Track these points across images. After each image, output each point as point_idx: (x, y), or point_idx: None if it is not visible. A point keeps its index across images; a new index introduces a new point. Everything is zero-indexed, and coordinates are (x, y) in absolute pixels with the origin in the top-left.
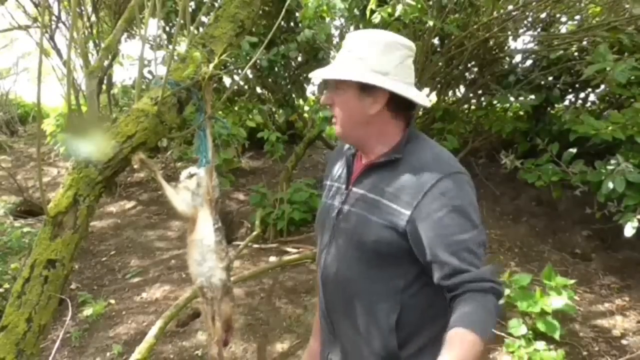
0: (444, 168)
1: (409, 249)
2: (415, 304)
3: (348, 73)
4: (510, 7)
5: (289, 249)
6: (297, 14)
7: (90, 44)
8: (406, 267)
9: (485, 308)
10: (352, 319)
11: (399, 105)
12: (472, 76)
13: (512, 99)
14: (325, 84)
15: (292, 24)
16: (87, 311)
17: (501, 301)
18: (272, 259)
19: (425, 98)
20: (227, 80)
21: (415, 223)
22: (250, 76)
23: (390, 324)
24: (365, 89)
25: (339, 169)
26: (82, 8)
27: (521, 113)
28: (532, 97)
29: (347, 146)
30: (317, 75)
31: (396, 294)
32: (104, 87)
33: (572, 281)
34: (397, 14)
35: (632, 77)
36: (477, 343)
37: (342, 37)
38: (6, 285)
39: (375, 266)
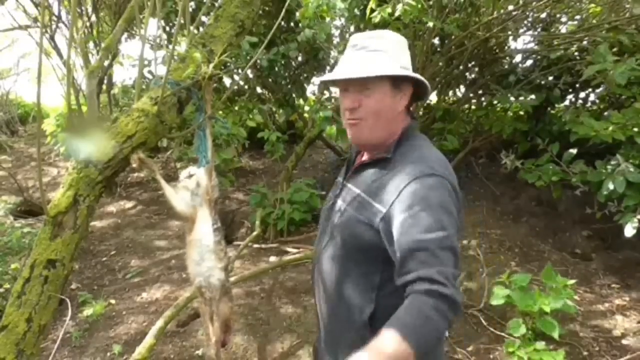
0: (422, 169)
1: (379, 245)
2: (389, 303)
3: (383, 68)
4: (511, 7)
5: (289, 249)
6: (297, 14)
7: (91, 44)
8: (381, 265)
9: (420, 311)
10: (331, 310)
11: (415, 99)
12: (473, 76)
13: (512, 98)
14: (331, 86)
15: (292, 23)
16: (87, 311)
17: (450, 306)
18: (273, 259)
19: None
20: (227, 80)
21: (387, 221)
22: (251, 76)
23: (364, 319)
24: (397, 84)
25: (344, 165)
26: (82, 8)
27: (521, 113)
28: (533, 97)
29: None
30: (345, 75)
31: (371, 291)
32: (104, 87)
33: (572, 281)
34: (397, 13)
35: (632, 77)
36: (400, 347)
37: (342, 37)
38: (6, 285)
39: (353, 260)
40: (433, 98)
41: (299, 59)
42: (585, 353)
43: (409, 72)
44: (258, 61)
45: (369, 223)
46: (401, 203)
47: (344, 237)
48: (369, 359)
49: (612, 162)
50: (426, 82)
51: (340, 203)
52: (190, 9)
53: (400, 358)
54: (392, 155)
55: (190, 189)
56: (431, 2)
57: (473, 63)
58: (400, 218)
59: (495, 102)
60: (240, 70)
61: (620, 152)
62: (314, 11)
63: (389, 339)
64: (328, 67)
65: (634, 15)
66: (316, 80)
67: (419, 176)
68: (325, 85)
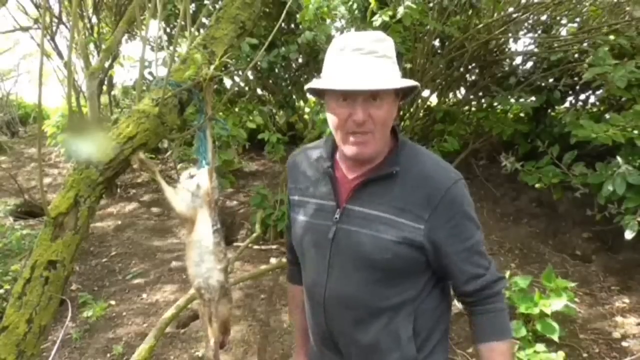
0: (448, 176)
1: (424, 260)
2: (426, 308)
3: (398, 78)
4: (511, 9)
5: None
6: (297, 16)
7: (91, 45)
8: (417, 277)
9: (504, 311)
10: (366, 338)
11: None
12: (473, 78)
13: (512, 100)
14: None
15: (292, 25)
16: (88, 312)
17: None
18: (273, 260)
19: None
20: (227, 82)
21: (430, 235)
22: (251, 77)
23: (408, 334)
24: (398, 92)
25: (314, 183)
26: (83, 9)
27: (522, 115)
28: (533, 98)
29: (316, 156)
30: (359, 87)
31: (410, 304)
32: (104, 88)
33: (573, 283)
34: (398, 16)
35: (633, 80)
36: (510, 347)
37: None
38: (7, 287)
39: (387, 283)
40: (433, 100)
41: (299, 60)
42: (585, 355)
43: (414, 81)
44: (258, 63)
45: (406, 242)
46: (442, 214)
47: (375, 263)
48: None
49: (613, 164)
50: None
51: (350, 228)
52: (191, 11)
53: (513, 353)
54: (400, 168)
55: (190, 190)
56: (432, 5)
57: (473, 65)
58: (447, 228)
59: (495, 103)
60: (240, 72)
61: (621, 154)
62: (314, 13)
63: (506, 349)
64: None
65: (634, 18)
66: (317, 85)
67: (450, 185)
68: (313, 91)
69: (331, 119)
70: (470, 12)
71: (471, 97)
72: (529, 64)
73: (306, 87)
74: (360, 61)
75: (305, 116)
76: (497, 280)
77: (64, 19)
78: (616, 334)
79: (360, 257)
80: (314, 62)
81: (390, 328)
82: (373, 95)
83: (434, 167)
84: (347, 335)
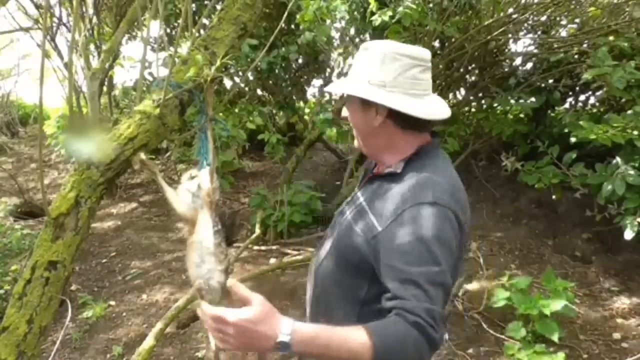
0: (427, 195)
1: (372, 263)
2: (366, 322)
3: (345, 87)
4: (511, 10)
5: (289, 251)
6: (297, 16)
7: (92, 46)
8: (368, 281)
9: (400, 336)
10: (316, 314)
11: (402, 117)
12: (473, 79)
13: (512, 101)
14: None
15: (292, 26)
16: (88, 312)
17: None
18: (273, 260)
19: (435, 110)
20: (227, 83)
21: (379, 240)
22: (251, 78)
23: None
24: (365, 101)
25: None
26: (84, 10)
27: (521, 115)
28: (533, 99)
29: None
30: (328, 89)
31: (355, 304)
32: (105, 88)
33: (572, 284)
34: (397, 16)
35: (632, 81)
36: (365, 346)
37: (342, 39)
38: (7, 287)
39: (343, 271)
40: None
41: (299, 61)
42: (585, 356)
43: (370, 94)
44: (258, 63)
45: (363, 237)
46: (397, 227)
47: (340, 245)
48: (325, 344)
49: (612, 165)
50: (394, 104)
51: (347, 211)
52: (192, 11)
53: (359, 354)
54: (401, 171)
55: (191, 191)
56: (431, 5)
57: (473, 66)
58: (394, 243)
59: (495, 104)
60: (241, 73)
61: (620, 155)
62: (314, 14)
63: (359, 337)
64: (328, 70)
65: (634, 18)
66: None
67: (421, 202)
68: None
69: None
70: (469, 12)
71: (471, 97)
72: (529, 65)
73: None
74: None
75: (305, 117)
76: (418, 316)
77: (65, 19)
78: (616, 335)
79: (337, 237)
80: (314, 62)
81: (331, 314)
82: (346, 99)
83: (425, 182)
84: (310, 305)
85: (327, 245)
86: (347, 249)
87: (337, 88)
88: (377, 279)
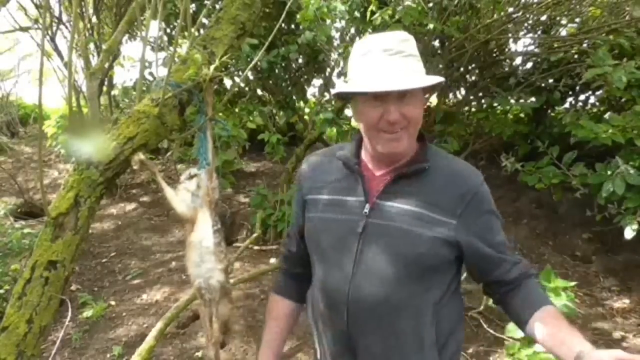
0: (477, 176)
1: (452, 258)
2: (446, 313)
3: (427, 76)
4: (511, 10)
5: None
6: (297, 16)
7: (91, 46)
8: (443, 276)
9: (541, 289)
10: (388, 340)
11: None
12: (473, 78)
13: (512, 101)
14: (335, 96)
15: (292, 25)
16: (87, 312)
17: None
18: (273, 260)
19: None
20: (227, 82)
21: (463, 230)
22: (251, 78)
23: (432, 339)
24: (426, 90)
25: (337, 181)
26: (83, 9)
27: (522, 115)
28: (533, 99)
29: (339, 153)
30: (392, 87)
31: (433, 306)
32: (104, 88)
33: (572, 283)
34: (397, 16)
35: (633, 80)
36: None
37: (342, 39)
38: (6, 287)
39: (415, 281)
40: (433, 100)
41: (299, 61)
42: None
43: (440, 77)
44: (258, 63)
45: (439, 236)
46: (474, 211)
47: (406, 258)
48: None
49: (612, 165)
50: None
51: (381, 223)
52: (191, 11)
53: None
54: (430, 164)
55: (190, 191)
56: (431, 5)
57: (473, 65)
58: (479, 224)
59: (495, 104)
60: (240, 72)
61: (620, 155)
62: (314, 13)
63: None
64: (328, 70)
65: (634, 18)
66: (341, 88)
67: (479, 184)
68: (325, 89)
69: (363, 120)
70: (470, 12)
71: (471, 97)
72: (529, 65)
73: (334, 91)
74: (390, 62)
75: (305, 117)
76: (528, 264)
77: (64, 19)
78: (616, 335)
79: (391, 251)
80: (314, 62)
81: (416, 331)
82: (405, 94)
83: (463, 164)
84: (368, 337)
85: (365, 268)
86: (419, 257)
87: (419, 82)
88: (449, 269)
